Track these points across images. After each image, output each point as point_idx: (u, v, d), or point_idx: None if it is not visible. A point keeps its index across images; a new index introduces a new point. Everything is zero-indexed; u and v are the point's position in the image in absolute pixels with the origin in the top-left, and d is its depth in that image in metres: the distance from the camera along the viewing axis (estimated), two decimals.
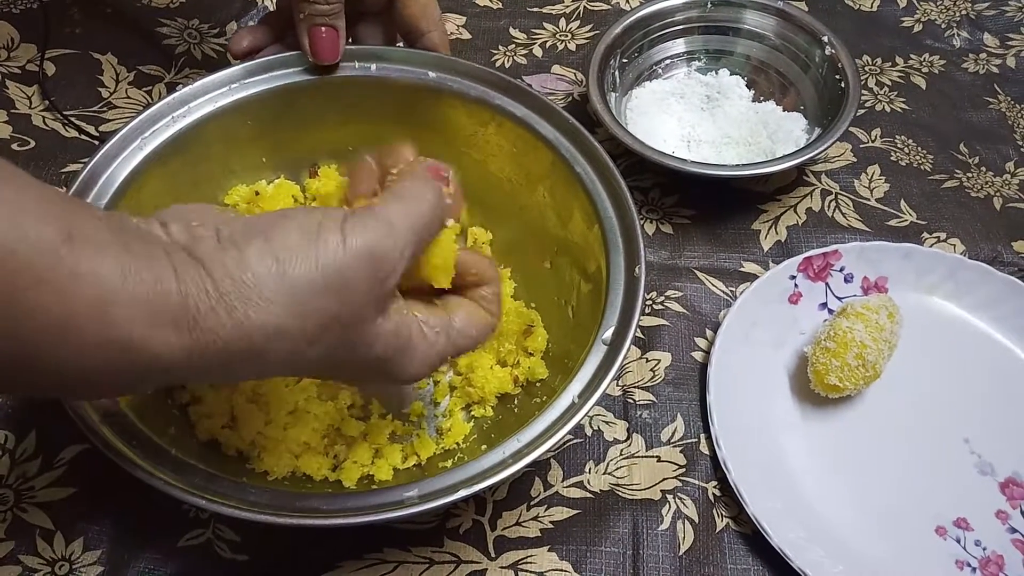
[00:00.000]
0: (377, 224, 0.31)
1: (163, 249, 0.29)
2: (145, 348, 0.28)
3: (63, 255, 0.26)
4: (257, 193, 0.53)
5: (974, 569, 0.46)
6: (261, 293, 0.29)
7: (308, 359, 0.31)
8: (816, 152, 0.57)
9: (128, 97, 0.63)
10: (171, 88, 0.60)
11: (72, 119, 0.61)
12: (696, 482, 0.48)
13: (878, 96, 0.68)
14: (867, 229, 0.59)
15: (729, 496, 0.47)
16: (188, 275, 0.28)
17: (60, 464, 0.46)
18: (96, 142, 0.59)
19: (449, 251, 0.36)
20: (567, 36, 0.71)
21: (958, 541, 0.47)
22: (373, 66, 0.52)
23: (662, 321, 0.54)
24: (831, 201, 0.61)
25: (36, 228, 0.26)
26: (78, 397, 0.39)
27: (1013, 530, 0.47)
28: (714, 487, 0.48)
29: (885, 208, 0.61)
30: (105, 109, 0.62)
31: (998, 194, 0.62)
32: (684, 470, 0.48)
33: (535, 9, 0.73)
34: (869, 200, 0.61)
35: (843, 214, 0.60)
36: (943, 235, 0.59)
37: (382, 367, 0.34)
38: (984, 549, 0.46)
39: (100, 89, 0.63)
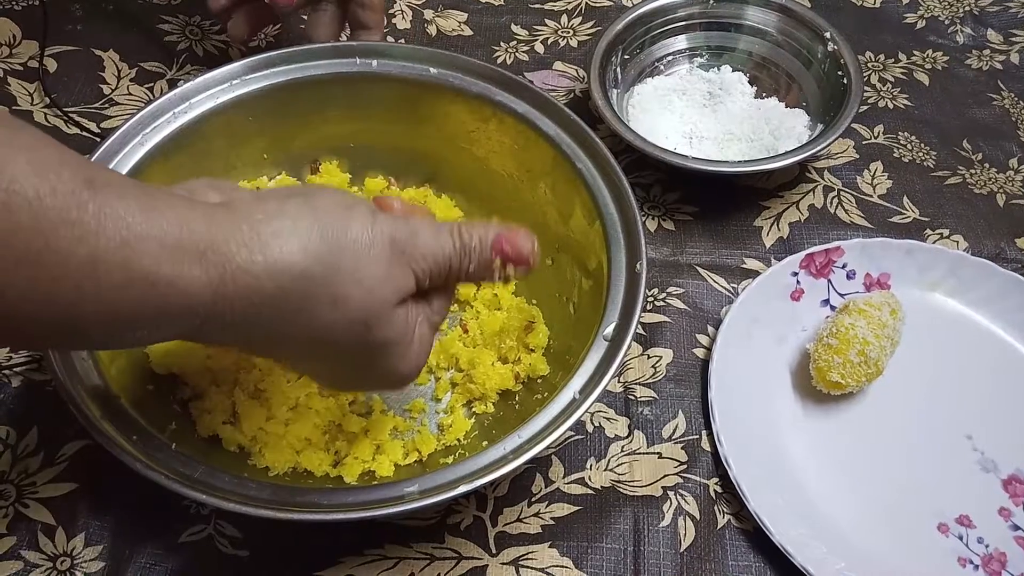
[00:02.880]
0: (403, 226, 0.34)
1: (188, 198, 0.31)
2: (171, 287, 0.29)
3: (86, 198, 0.27)
4: (259, 189, 0.53)
5: (976, 566, 0.46)
6: (296, 235, 0.31)
7: (322, 321, 0.32)
8: (818, 148, 0.57)
9: (129, 94, 0.63)
10: (172, 85, 0.60)
11: (73, 116, 0.61)
12: (697, 479, 0.48)
13: (881, 92, 0.68)
14: (869, 226, 0.59)
15: (730, 493, 0.47)
16: (218, 215, 0.30)
17: (62, 460, 0.46)
18: (97, 139, 0.59)
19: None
20: (569, 32, 0.71)
21: (960, 538, 0.47)
22: (375, 62, 0.52)
23: (664, 318, 0.54)
24: (833, 197, 0.61)
25: (57, 172, 0.27)
26: (104, 345, 0.40)
27: (1016, 527, 0.47)
28: (715, 484, 0.48)
29: (888, 204, 0.61)
30: (107, 106, 0.62)
31: (1001, 191, 0.62)
32: (685, 467, 0.48)
33: (537, 6, 0.73)
34: (872, 196, 0.61)
35: (845, 211, 0.60)
36: (946, 231, 0.59)
37: (386, 357, 0.35)
38: (987, 546, 0.46)
39: (102, 86, 0.63)
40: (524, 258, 0.36)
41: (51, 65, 0.64)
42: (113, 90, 0.63)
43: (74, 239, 0.27)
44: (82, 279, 0.27)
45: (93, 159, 0.46)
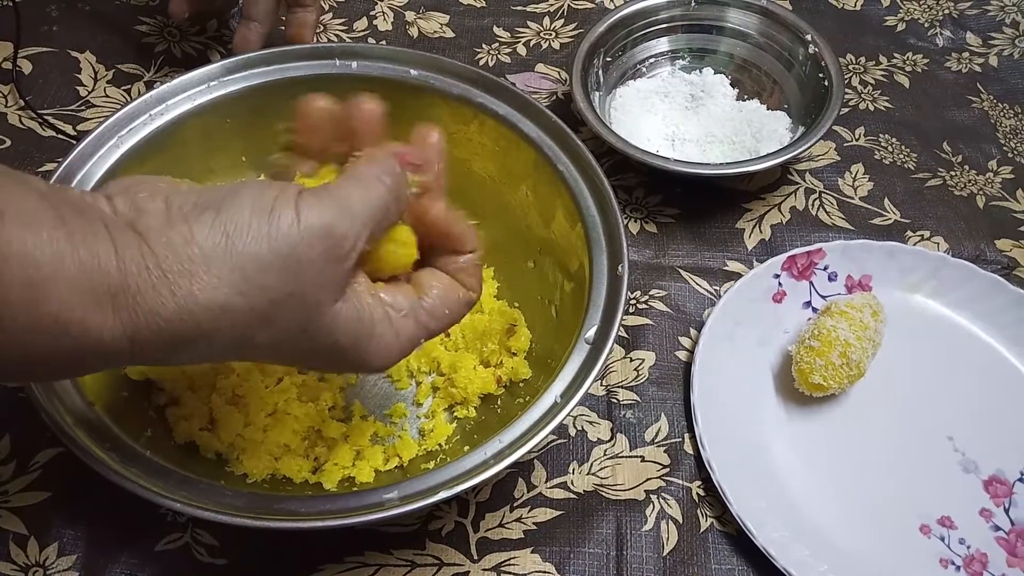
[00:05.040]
0: (332, 203, 0.30)
1: (104, 223, 0.28)
2: (83, 331, 0.27)
3: None
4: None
5: (958, 567, 0.46)
6: (208, 269, 0.28)
7: (259, 343, 0.30)
8: (800, 150, 0.57)
9: (106, 96, 0.62)
10: (150, 87, 0.59)
11: (48, 118, 0.60)
12: (680, 482, 0.47)
13: (862, 95, 0.68)
14: (851, 227, 0.59)
15: (713, 496, 0.47)
16: (128, 251, 0.27)
17: (34, 468, 0.45)
18: (73, 141, 0.58)
19: (407, 234, 0.35)
20: (551, 35, 0.71)
21: (942, 539, 0.47)
22: (354, 64, 0.52)
23: (646, 320, 0.54)
24: (815, 200, 0.61)
25: None
26: (20, 381, 0.38)
27: (997, 528, 0.47)
28: (698, 487, 0.47)
29: (869, 206, 0.61)
30: (83, 108, 0.61)
31: (981, 192, 0.62)
32: (668, 470, 0.48)
33: (519, 7, 0.73)
34: (853, 199, 0.61)
35: (827, 212, 0.60)
36: (927, 233, 0.59)
37: (343, 356, 0.32)
38: (968, 547, 0.46)
39: (78, 88, 0.62)
40: (407, 160, 0.34)
41: (26, 67, 0.63)
42: (90, 92, 0.62)
43: None
44: None
45: (67, 162, 0.45)
